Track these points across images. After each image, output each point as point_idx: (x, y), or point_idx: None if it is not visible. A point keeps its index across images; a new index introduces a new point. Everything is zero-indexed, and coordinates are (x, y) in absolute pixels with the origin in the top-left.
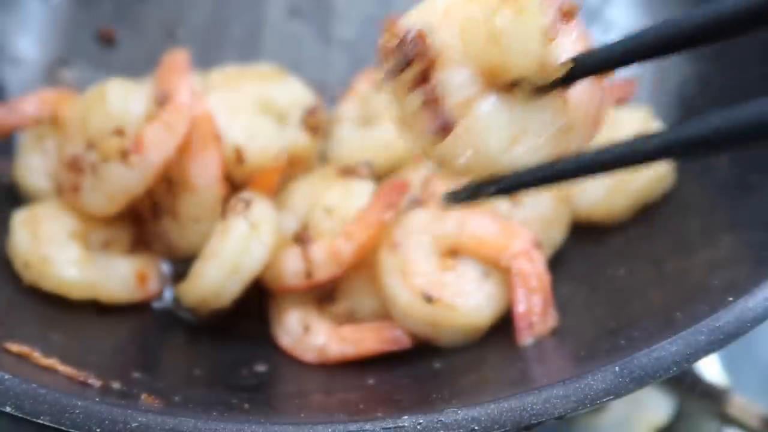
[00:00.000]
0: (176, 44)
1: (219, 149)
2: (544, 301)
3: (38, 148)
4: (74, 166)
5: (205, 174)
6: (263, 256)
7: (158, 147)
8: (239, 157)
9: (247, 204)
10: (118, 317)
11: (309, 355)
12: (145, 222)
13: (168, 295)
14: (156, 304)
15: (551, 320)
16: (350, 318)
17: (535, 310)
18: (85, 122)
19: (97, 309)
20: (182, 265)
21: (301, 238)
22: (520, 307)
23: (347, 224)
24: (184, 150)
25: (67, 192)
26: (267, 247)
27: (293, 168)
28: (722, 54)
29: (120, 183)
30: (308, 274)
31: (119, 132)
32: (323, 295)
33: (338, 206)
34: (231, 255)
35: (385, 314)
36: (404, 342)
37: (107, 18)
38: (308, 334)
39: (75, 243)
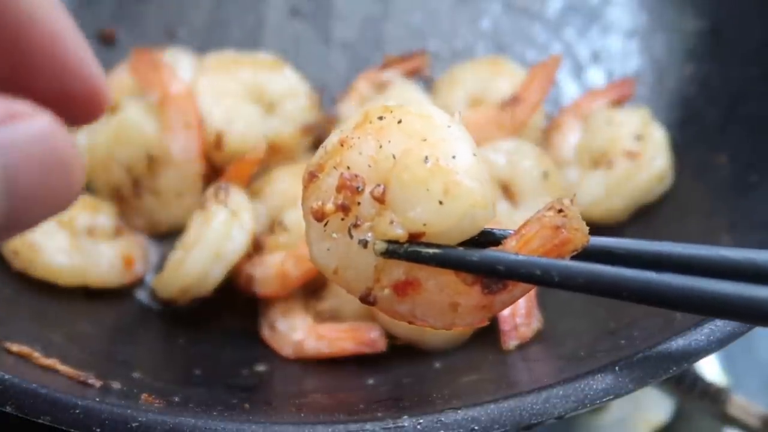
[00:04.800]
0: (176, 44)
1: (199, 130)
2: (527, 302)
3: None
4: (120, 194)
5: (185, 149)
6: (245, 242)
7: (186, 148)
8: (219, 142)
9: (227, 192)
10: (117, 317)
11: (285, 350)
12: (125, 199)
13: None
14: (156, 307)
15: (536, 322)
16: (334, 316)
17: (520, 312)
18: (116, 153)
19: (96, 310)
20: (165, 247)
21: (258, 246)
22: (505, 310)
23: (299, 244)
24: (165, 127)
25: (133, 216)
26: (248, 233)
27: (276, 156)
28: (722, 54)
29: (176, 188)
30: (249, 286)
31: (150, 157)
32: (311, 290)
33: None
34: (213, 241)
35: (368, 316)
36: (380, 345)
37: (107, 18)
38: (287, 328)
39: (63, 230)
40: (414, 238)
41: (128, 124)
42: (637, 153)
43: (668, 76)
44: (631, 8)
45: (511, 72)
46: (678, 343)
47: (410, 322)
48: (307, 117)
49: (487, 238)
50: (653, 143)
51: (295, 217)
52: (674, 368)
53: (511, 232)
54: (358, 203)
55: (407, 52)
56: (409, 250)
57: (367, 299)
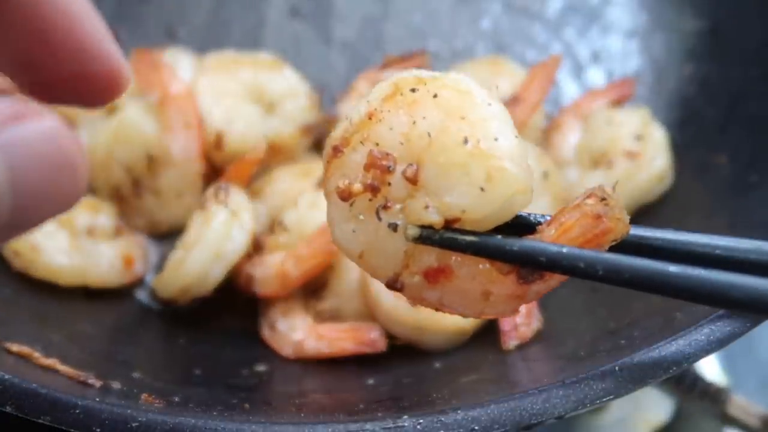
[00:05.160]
0: (177, 44)
1: (199, 130)
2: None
3: None
4: (120, 194)
5: (185, 149)
6: (245, 242)
7: (186, 148)
8: (219, 142)
9: (227, 192)
10: (117, 317)
11: (286, 350)
12: (125, 199)
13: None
14: (156, 307)
15: (536, 323)
16: (334, 316)
17: (520, 312)
18: (116, 153)
19: (96, 310)
20: (166, 247)
21: (258, 246)
22: None
23: (299, 244)
24: (165, 127)
25: (133, 216)
26: (248, 233)
27: (276, 157)
28: (722, 54)
29: (176, 188)
30: (249, 286)
31: (150, 156)
32: (311, 290)
33: (303, 217)
34: (213, 241)
35: (368, 316)
36: (380, 345)
37: (108, 18)
38: (287, 328)
39: (63, 230)
40: (449, 224)
41: (128, 124)
42: (637, 153)
43: (668, 76)
44: (631, 8)
45: (511, 72)
46: (678, 343)
47: (437, 309)
48: (307, 117)
49: (519, 221)
50: (653, 143)
51: (295, 217)
52: (674, 368)
53: (546, 216)
54: (389, 183)
55: (407, 52)
56: (445, 236)
57: (394, 285)
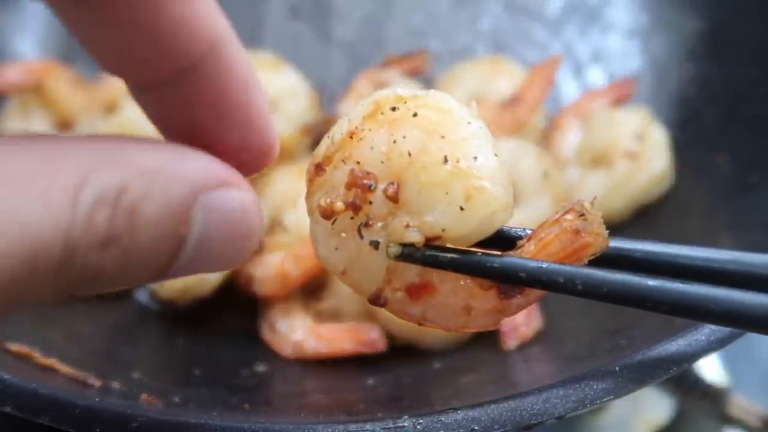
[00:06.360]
0: None
1: None
2: None
3: (23, 118)
4: None
5: None
6: None
7: None
8: None
9: None
10: (117, 317)
11: (286, 350)
12: None
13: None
14: (156, 307)
15: (536, 323)
16: (334, 316)
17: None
18: None
19: (96, 310)
20: None
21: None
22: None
23: (298, 244)
24: None
25: None
26: None
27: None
28: (722, 54)
29: None
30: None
31: None
32: (311, 290)
33: (302, 217)
34: None
35: (368, 316)
36: (379, 345)
37: None
38: (287, 328)
39: None
40: (429, 242)
41: (128, 123)
42: (637, 153)
43: (668, 76)
44: (631, 8)
45: (511, 72)
46: (678, 343)
47: (419, 324)
48: (307, 117)
49: (500, 235)
50: (653, 143)
51: (295, 218)
52: (674, 368)
53: (527, 231)
54: (370, 202)
55: (407, 52)
56: (427, 254)
57: (377, 301)
